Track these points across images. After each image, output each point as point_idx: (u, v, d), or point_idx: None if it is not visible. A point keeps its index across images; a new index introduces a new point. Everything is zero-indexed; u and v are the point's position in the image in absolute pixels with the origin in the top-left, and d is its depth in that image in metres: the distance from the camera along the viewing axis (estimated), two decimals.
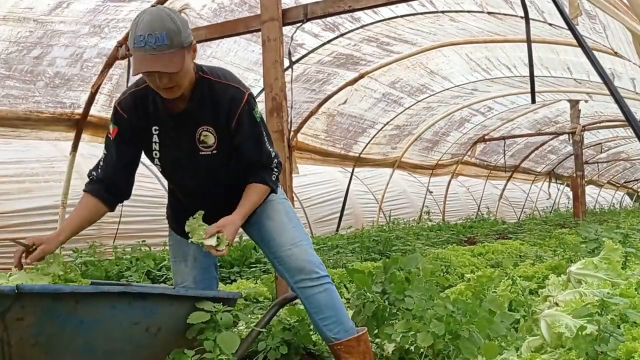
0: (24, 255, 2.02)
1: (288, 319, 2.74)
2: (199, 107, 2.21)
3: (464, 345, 2.20)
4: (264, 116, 2.48)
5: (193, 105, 2.20)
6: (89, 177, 2.31)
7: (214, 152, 2.24)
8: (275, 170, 2.33)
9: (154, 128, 2.25)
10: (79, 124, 5.75)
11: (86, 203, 2.27)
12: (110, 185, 2.28)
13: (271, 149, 2.33)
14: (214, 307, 2.09)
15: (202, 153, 2.24)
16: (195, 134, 2.23)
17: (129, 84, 5.36)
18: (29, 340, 1.68)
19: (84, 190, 2.29)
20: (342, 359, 2.37)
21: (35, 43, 4.90)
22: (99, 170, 2.28)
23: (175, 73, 2.03)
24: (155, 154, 2.28)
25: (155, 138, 2.26)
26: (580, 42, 2.43)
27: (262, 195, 2.29)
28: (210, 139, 2.24)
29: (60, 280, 1.91)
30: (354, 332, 2.39)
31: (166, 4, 5.08)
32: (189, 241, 2.12)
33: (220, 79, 2.24)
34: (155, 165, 2.32)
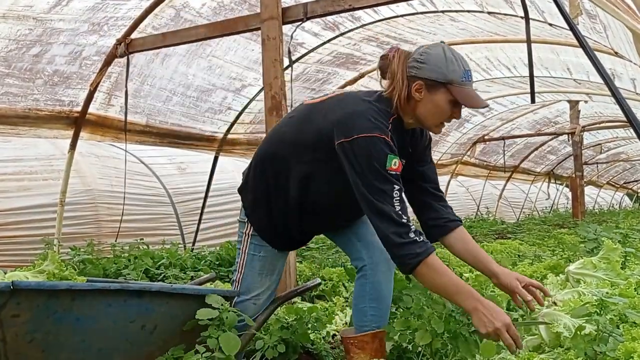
0: None
1: (286, 317, 2.73)
2: (411, 142, 2.29)
3: (463, 345, 2.20)
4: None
5: (408, 139, 2.26)
6: (409, 232, 2.02)
7: None
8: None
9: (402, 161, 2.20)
10: (78, 122, 5.74)
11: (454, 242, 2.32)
12: (427, 221, 2.32)
13: None
14: (222, 305, 2.07)
15: None
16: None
17: (127, 83, 5.37)
18: (24, 337, 1.67)
19: (426, 255, 2.01)
20: (352, 353, 2.36)
21: (34, 41, 4.89)
22: (405, 215, 2.03)
23: None
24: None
25: None
26: (581, 42, 2.42)
27: None
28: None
29: (56, 278, 1.90)
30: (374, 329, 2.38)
31: (165, 2, 5.08)
32: None
33: None
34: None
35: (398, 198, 2.01)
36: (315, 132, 2.15)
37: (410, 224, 2.02)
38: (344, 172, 2.06)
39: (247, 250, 2.37)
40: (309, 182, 2.20)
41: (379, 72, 2.23)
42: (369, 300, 2.34)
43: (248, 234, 2.38)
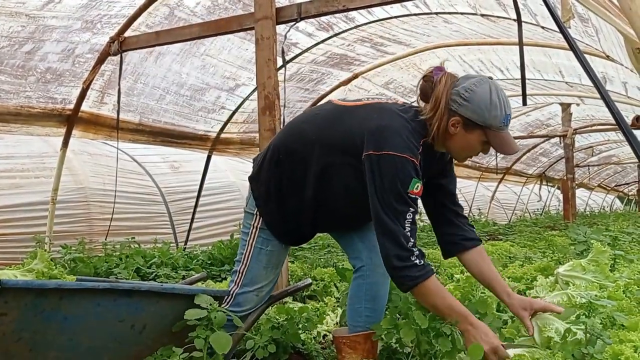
0: None
1: (277, 317, 2.73)
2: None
3: (444, 343, 2.20)
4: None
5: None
6: (406, 244, 2.02)
7: None
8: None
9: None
10: (70, 119, 5.72)
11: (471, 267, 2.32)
12: (440, 233, 2.35)
13: None
14: (210, 305, 2.07)
15: None
16: None
17: (120, 81, 5.35)
18: (12, 336, 1.66)
19: (426, 276, 2.03)
20: (343, 352, 2.36)
21: (27, 38, 4.87)
22: (412, 239, 2.03)
23: None
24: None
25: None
26: (571, 44, 2.44)
27: None
28: None
29: (45, 277, 1.90)
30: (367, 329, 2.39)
31: (159, 1, 5.07)
32: None
33: None
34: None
35: (410, 221, 2.02)
36: (346, 134, 2.14)
37: (415, 249, 2.03)
38: (365, 181, 2.07)
39: (254, 244, 2.34)
40: (329, 182, 2.19)
41: (419, 93, 2.19)
42: (365, 301, 2.35)
43: (257, 227, 2.33)
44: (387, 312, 2.40)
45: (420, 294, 2.06)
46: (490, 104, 2.03)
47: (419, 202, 2.14)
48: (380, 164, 2.02)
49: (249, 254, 2.36)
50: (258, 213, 2.33)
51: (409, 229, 2.01)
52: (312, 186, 2.20)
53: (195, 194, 7.59)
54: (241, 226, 2.46)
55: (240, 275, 2.36)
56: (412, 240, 2.02)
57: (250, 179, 2.39)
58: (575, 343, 2.05)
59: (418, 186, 2.03)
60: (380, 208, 2.02)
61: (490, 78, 2.14)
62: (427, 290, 2.05)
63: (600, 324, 2.20)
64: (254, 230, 2.34)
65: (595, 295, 2.40)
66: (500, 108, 2.04)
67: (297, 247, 6.26)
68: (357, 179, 2.11)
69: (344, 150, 2.13)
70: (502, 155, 14.26)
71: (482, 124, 2.05)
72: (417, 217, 2.07)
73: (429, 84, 2.15)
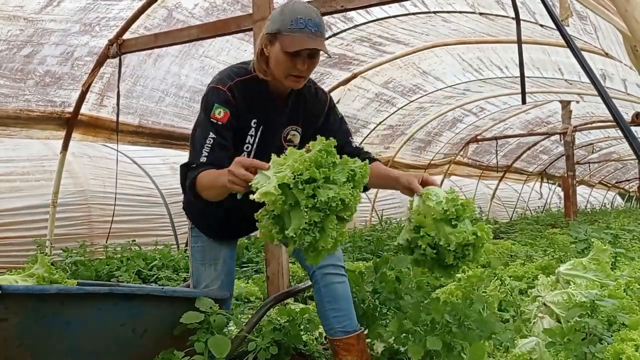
0: None
1: (278, 319, 2.73)
2: (296, 106, 2.28)
3: (454, 356, 2.19)
4: None
5: (292, 103, 2.27)
6: (191, 167, 2.09)
7: None
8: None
9: (253, 121, 2.23)
10: (70, 122, 5.72)
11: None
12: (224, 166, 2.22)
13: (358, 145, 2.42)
14: (210, 308, 2.07)
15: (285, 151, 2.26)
16: (286, 132, 2.29)
17: (119, 83, 5.36)
18: (13, 341, 1.66)
19: (198, 173, 2.05)
20: (340, 355, 2.37)
21: (25, 41, 4.87)
22: (206, 157, 2.08)
23: (316, 61, 2.13)
24: (247, 147, 2.25)
25: (252, 132, 2.24)
26: (568, 42, 2.43)
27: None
28: (296, 139, 2.31)
29: (46, 282, 1.89)
30: (357, 329, 2.40)
31: (157, 3, 5.07)
32: None
33: (310, 82, 2.34)
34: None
35: (210, 145, 2.09)
36: None
37: (203, 167, 2.07)
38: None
39: (190, 244, 2.49)
40: None
41: None
42: (327, 303, 2.37)
43: (189, 228, 2.49)
44: (389, 314, 2.40)
45: (197, 184, 2.04)
46: (280, 13, 2.09)
47: (249, 139, 2.22)
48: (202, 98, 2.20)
49: (190, 256, 2.50)
50: (185, 214, 2.49)
51: (207, 151, 2.08)
52: None
53: None
54: None
55: (191, 277, 2.50)
56: (207, 160, 2.07)
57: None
58: (576, 340, 2.05)
59: (220, 112, 2.12)
60: (192, 129, 2.20)
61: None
62: (201, 179, 2.04)
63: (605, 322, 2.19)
64: (189, 232, 2.49)
65: (596, 294, 2.40)
66: (289, 13, 2.07)
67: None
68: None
69: None
70: (502, 154, 14.27)
71: (275, 32, 2.08)
72: (222, 142, 2.10)
73: None
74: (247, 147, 2.24)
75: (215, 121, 2.12)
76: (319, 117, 2.32)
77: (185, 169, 2.11)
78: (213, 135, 2.10)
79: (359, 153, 2.30)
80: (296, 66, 2.09)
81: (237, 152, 2.21)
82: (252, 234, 2.65)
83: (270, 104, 2.24)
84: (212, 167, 2.05)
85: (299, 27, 2.03)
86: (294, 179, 1.63)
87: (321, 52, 2.12)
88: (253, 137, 2.23)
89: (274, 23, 2.09)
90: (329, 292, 2.36)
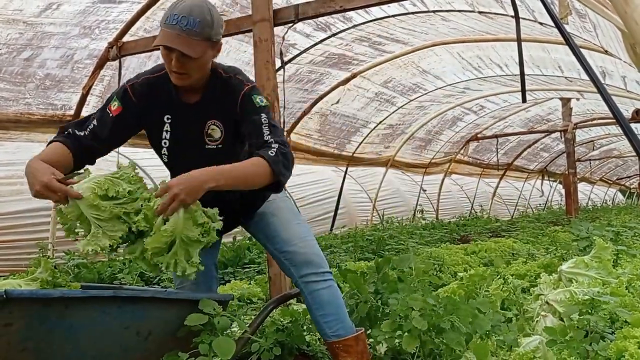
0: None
1: (281, 319, 2.74)
2: (209, 101, 2.25)
3: (448, 337, 2.20)
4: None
5: (205, 98, 2.25)
6: (64, 131, 2.24)
7: (219, 146, 2.26)
8: (275, 150, 2.10)
9: (166, 117, 2.27)
10: None
11: (57, 148, 2.22)
12: (86, 148, 2.25)
13: (271, 134, 2.17)
14: (214, 309, 2.08)
15: (208, 146, 2.26)
16: (204, 127, 2.26)
17: (119, 86, 5.37)
18: (17, 346, 1.66)
19: (54, 140, 2.21)
20: (339, 357, 2.37)
21: (25, 45, 4.87)
22: (83, 131, 2.23)
23: (191, 60, 2.07)
24: (165, 143, 2.31)
25: (167, 127, 2.28)
26: (568, 40, 2.44)
27: (257, 169, 2.07)
28: (217, 133, 2.27)
29: (49, 285, 1.90)
30: (353, 331, 2.40)
31: (157, 5, 5.07)
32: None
33: (228, 73, 2.28)
34: (162, 154, 2.35)
35: (90, 127, 2.24)
36: None
37: (62, 137, 2.22)
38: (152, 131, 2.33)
39: None
40: None
41: None
42: (316, 310, 2.37)
43: None
44: (391, 313, 2.40)
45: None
46: (171, 6, 2.10)
47: (165, 134, 2.28)
48: None
49: None
50: None
51: (84, 129, 2.23)
52: None
53: None
54: None
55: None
56: (76, 131, 2.23)
57: None
58: (578, 338, 2.05)
59: (115, 105, 2.25)
60: None
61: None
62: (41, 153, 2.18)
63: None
64: None
65: (598, 292, 2.40)
66: (170, 8, 2.08)
67: None
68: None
69: None
70: (502, 152, 14.27)
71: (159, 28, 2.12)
72: (98, 130, 2.23)
73: None
74: (165, 143, 2.30)
75: (108, 111, 2.25)
76: (233, 107, 2.21)
77: (59, 130, 2.28)
78: (95, 122, 2.24)
79: (263, 147, 2.13)
80: (170, 62, 2.11)
81: (156, 146, 2.35)
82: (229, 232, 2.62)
83: (178, 100, 2.25)
84: (71, 141, 2.20)
85: (171, 24, 2.04)
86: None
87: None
88: (168, 132, 2.28)
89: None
90: (314, 299, 2.35)
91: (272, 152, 2.09)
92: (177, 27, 2.03)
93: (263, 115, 2.19)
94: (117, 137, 2.32)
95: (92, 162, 2.34)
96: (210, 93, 2.24)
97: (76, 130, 2.24)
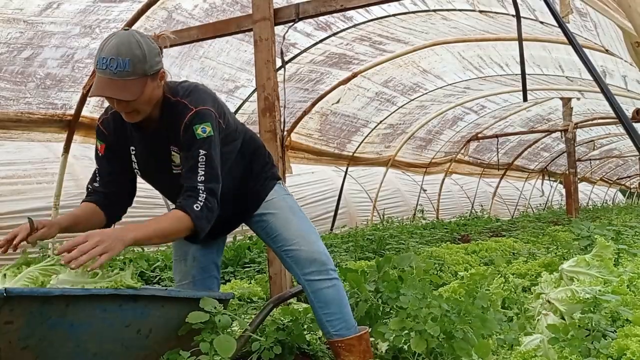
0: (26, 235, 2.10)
1: (282, 318, 2.73)
2: (165, 127, 2.19)
3: (459, 345, 2.20)
4: (247, 124, 2.44)
5: (160, 125, 2.19)
6: (87, 190, 2.33)
7: (180, 171, 2.20)
8: (202, 201, 2.05)
9: (131, 148, 2.28)
10: (71, 125, 5.72)
11: (85, 207, 2.28)
12: (107, 195, 2.29)
13: (203, 176, 2.08)
14: (215, 308, 2.07)
15: (175, 171, 2.24)
16: (168, 153, 2.22)
17: None
18: (18, 344, 1.66)
19: (83, 201, 2.30)
20: (342, 356, 2.37)
21: (25, 44, 4.87)
22: (96, 183, 2.31)
23: (132, 100, 2.02)
24: (137, 172, 2.34)
25: (133, 157, 2.29)
26: (571, 40, 2.43)
27: (177, 224, 2.03)
28: (177, 159, 2.21)
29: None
30: (356, 331, 2.41)
31: (157, 5, 5.06)
32: None
33: (179, 97, 2.18)
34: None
35: (98, 174, 2.32)
36: None
37: (90, 197, 2.29)
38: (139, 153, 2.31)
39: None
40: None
41: None
42: (320, 308, 2.38)
43: None
44: (392, 312, 2.40)
45: None
46: (100, 47, 2.03)
47: (134, 164, 2.29)
48: None
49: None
50: None
51: (98, 179, 2.30)
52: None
53: None
54: None
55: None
56: (91, 186, 2.31)
57: None
58: (580, 336, 2.05)
59: (98, 145, 2.32)
60: None
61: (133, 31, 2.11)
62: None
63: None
64: None
65: (600, 291, 2.40)
66: (99, 51, 2.01)
67: None
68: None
69: None
70: (503, 152, 14.27)
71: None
72: (103, 171, 2.31)
73: None
74: (137, 172, 2.33)
75: (98, 152, 2.32)
76: (179, 132, 2.13)
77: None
78: (97, 166, 2.33)
79: (190, 195, 2.07)
80: (112, 106, 2.12)
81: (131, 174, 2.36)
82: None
83: (135, 130, 2.24)
84: (93, 197, 2.28)
85: (102, 69, 1.98)
86: None
87: None
88: (135, 162, 2.30)
89: None
90: (318, 297, 2.36)
91: (197, 206, 2.04)
92: (108, 72, 1.96)
93: (201, 151, 2.09)
94: (118, 167, 2.32)
95: (125, 204, 2.39)
96: (165, 118, 2.18)
97: (94, 184, 2.32)
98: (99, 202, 2.27)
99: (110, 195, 2.28)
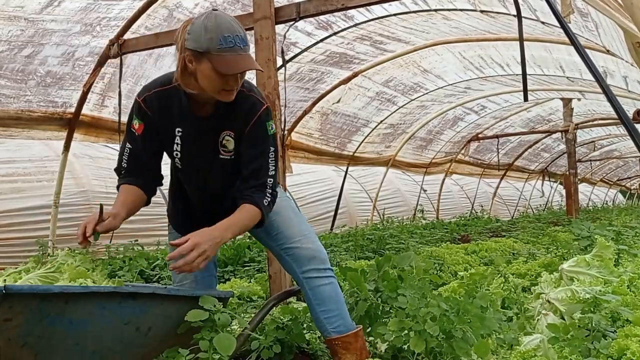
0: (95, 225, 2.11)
1: (281, 317, 2.73)
2: (223, 113, 2.25)
3: (458, 345, 2.20)
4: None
5: (220, 110, 2.24)
6: (118, 173, 2.33)
7: (232, 157, 2.29)
8: (269, 195, 2.25)
9: (177, 129, 2.28)
10: (71, 123, 5.72)
11: (127, 191, 2.30)
12: (143, 174, 2.32)
13: (273, 171, 2.26)
14: (214, 306, 2.08)
15: (222, 157, 2.29)
16: (219, 138, 2.27)
17: (121, 83, 5.36)
18: (17, 341, 1.66)
19: (120, 184, 2.31)
20: (339, 354, 2.37)
21: (26, 42, 4.87)
22: (126, 164, 2.31)
23: (246, 73, 2.12)
24: (176, 154, 2.33)
25: (178, 140, 2.29)
26: (573, 40, 2.43)
27: (253, 220, 2.21)
28: (231, 144, 2.28)
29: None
30: (353, 328, 2.41)
31: (158, 3, 5.07)
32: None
33: (250, 91, 2.28)
34: (175, 163, 2.37)
35: (127, 154, 2.30)
36: None
37: (124, 179, 2.31)
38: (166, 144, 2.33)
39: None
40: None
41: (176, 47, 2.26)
42: (317, 306, 2.38)
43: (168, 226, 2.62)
44: (392, 312, 2.40)
45: None
46: (205, 30, 2.04)
47: (176, 146, 2.29)
48: None
49: None
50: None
51: (126, 161, 2.30)
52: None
53: None
54: None
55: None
56: (125, 165, 2.31)
57: None
58: (580, 336, 2.04)
59: (136, 123, 2.27)
60: None
61: (216, 10, 2.14)
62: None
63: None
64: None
65: (600, 291, 2.40)
66: (214, 30, 2.03)
67: None
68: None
69: None
70: (503, 152, 14.26)
71: (202, 51, 2.06)
72: (136, 152, 2.29)
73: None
74: (176, 154, 2.32)
75: (133, 131, 2.28)
76: (245, 124, 2.24)
77: (116, 173, 2.35)
78: (129, 146, 2.30)
79: (241, 187, 2.24)
80: (228, 82, 2.11)
81: (169, 154, 2.35)
82: None
83: (191, 112, 2.25)
84: (131, 178, 2.29)
85: (229, 46, 2.02)
86: None
87: None
88: (179, 145, 2.29)
89: (198, 42, 2.05)
90: (316, 295, 2.37)
91: (266, 201, 2.23)
92: (237, 48, 2.04)
93: (272, 148, 2.27)
94: (152, 149, 2.34)
95: (160, 179, 2.42)
96: (225, 105, 2.22)
97: (124, 164, 2.32)
98: (138, 183, 2.30)
99: (144, 174, 2.32)
